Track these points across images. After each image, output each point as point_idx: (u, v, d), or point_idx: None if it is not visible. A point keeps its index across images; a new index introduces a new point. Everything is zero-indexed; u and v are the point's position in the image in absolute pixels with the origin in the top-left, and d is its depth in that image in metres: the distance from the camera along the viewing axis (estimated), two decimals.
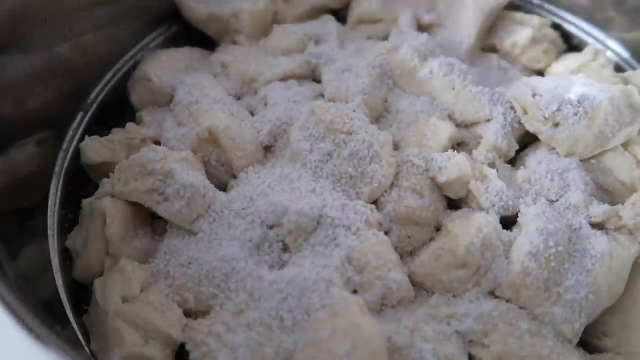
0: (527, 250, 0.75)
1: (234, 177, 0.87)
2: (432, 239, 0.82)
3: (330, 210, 0.78)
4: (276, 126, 0.90)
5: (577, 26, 1.10)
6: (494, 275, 0.76)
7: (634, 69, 1.03)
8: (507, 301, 0.76)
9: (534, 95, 0.89)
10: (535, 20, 1.06)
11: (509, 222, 0.83)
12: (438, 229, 0.84)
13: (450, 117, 0.93)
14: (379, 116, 0.94)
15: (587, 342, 0.78)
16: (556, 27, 1.09)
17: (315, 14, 1.12)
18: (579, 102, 0.85)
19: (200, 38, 1.09)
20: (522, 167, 0.88)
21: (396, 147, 0.89)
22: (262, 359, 0.67)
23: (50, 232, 0.83)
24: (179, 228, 0.80)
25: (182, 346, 0.71)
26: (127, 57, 1.04)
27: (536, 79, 0.95)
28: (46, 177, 0.88)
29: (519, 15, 1.08)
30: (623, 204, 0.82)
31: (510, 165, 0.90)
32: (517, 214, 0.82)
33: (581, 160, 0.87)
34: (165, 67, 1.00)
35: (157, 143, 0.91)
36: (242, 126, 0.89)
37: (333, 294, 0.70)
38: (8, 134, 0.79)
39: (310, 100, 0.93)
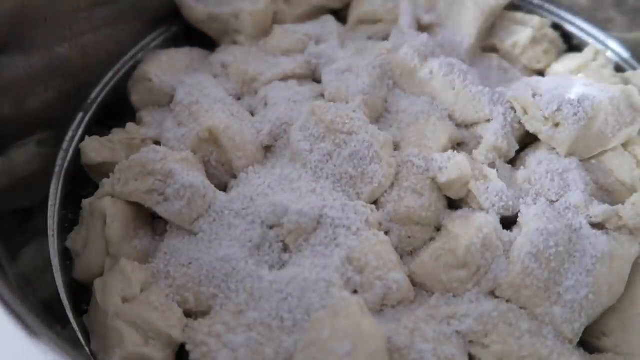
0: (527, 250, 0.75)
1: (234, 177, 0.87)
2: (432, 239, 0.82)
3: (330, 210, 0.78)
4: (276, 126, 0.90)
5: (577, 26, 1.10)
6: (494, 275, 0.76)
7: (634, 69, 1.03)
8: (507, 301, 0.76)
9: (534, 95, 0.89)
10: (535, 20, 1.06)
11: (509, 222, 0.82)
12: (438, 229, 0.83)
13: (450, 117, 0.93)
14: (379, 116, 0.94)
15: (586, 342, 0.78)
16: (556, 27, 1.09)
17: (315, 14, 1.12)
18: (579, 102, 0.85)
19: (200, 38, 1.09)
20: (522, 167, 0.88)
21: (396, 147, 0.89)
22: (262, 359, 0.67)
23: (50, 232, 0.83)
24: (179, 228, 0.80)
25: (182, 346, 0.71)
26: (127, 57, 1.04)
27: (536, 79, 0.95)
28: (46, 177, 0.88)
29: (519, 15, 1.08)
30: (623, 204, 0.82)
31: (510, 165, 0.90)
32: (517, 214, 0.82)
33: (581, 160, 0.87)
34: (165, 67, 1.00)
35: (157, 143, 0.91)
36: (242, 126, 0.89)
37: (333, 294, 0.70)
38: (8, 134, 0.79)
39: (310, 100, 0.93)
